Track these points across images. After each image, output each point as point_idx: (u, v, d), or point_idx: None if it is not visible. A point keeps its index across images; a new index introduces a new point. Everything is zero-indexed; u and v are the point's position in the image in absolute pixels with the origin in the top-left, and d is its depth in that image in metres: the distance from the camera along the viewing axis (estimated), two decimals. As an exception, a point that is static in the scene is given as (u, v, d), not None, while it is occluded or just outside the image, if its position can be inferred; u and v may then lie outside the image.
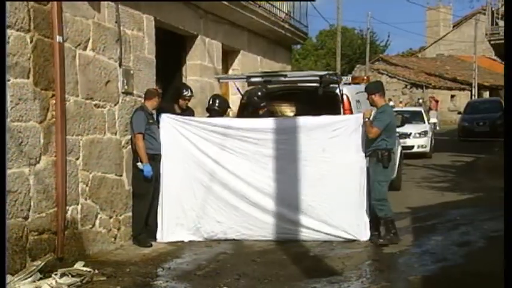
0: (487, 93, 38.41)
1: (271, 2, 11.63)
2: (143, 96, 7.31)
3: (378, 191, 6.92)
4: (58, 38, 5.84)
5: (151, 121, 7.09)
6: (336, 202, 7.05)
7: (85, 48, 6.44)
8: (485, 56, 40.61)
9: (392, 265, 6.31)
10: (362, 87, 9.32)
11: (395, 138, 7.14)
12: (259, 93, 7.99)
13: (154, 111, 7.28)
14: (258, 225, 7.17)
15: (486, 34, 16.88)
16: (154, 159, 7.13)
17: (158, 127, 7.25)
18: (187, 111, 8.03)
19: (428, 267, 6.07)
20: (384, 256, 6.57)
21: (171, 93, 8.22)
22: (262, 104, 7.98)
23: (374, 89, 7.19)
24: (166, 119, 7.35)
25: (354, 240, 7.05)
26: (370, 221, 7.10)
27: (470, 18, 42.52)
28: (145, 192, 7.06)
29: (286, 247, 6.91)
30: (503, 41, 15.74)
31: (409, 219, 8.41)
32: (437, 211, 9.13)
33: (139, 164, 6.96)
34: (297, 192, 7.08)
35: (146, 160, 6.92)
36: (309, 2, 14.91)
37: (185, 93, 7.93)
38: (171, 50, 9.13)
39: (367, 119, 6.97)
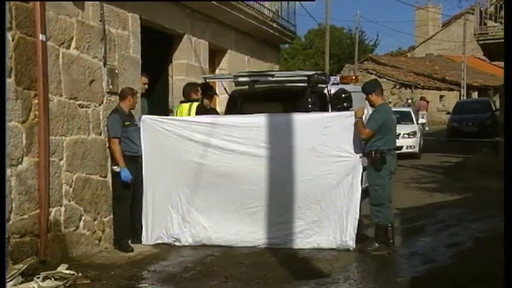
0: (476, 93, 38.66)
1: (259, 2, 11.62)
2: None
3: (374, 196, 6.83)
4: (41, 37, 5.79)
5: (127, 123, 7.01)
6: (327, 204, 6.94)
7: (68, 47, 6.40)
8: (474, 56, 40.88)
9: (381, 267, 6.33)
10: (351, 87, 9.34)
11: (390, 138, 6.89)
12: (344, 94, 7.86)
13: (132, 111, 7.20)
14: (245, 231, 7.06)
15: (475, 34, 16.97)
16: (133, 161, 7.08)
17: (138, 128, 7.20)
18: (211, 111, 8.06)
19: (417, 268, 6.10)
20: (372, 258, 6.58)
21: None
22: (346, 104, 7.72)
23: (370, 88, 7.07)
24: (146, 120, 7.30)
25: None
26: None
27: (459, 18, 42.77)
28: (125, 195, 7.02)
29: (274, 249, 6.89)
30: (491, 41, 15.83)
31: (397, 220, 8.42)
32: (426, 212, 9.17)
33: (115, 167, 6.92)
34: (287, 195, 6.98)
35: (123, 164, 6.87)
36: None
37: (210, 92, 8.07)
38: (157, 49, 9.09)
39: (359, 118, 6.84)
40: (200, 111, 7.71)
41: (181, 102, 8.00)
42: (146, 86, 7.98)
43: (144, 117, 7.35)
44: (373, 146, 6.78)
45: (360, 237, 6.97)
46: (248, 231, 7.07)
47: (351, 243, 6.83)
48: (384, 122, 6.81)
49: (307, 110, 7.62)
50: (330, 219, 6.94)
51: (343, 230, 6.88)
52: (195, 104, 7.79)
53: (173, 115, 7.98)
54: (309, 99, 7.88)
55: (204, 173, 7.16)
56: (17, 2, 5.60)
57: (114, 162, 6.95)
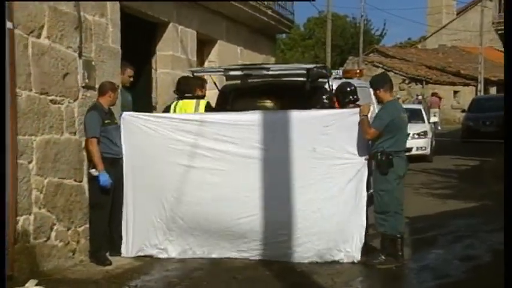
0: (494, 89, 38.80)
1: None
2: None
3: (378, 203, 6.85)
4: (7, 24, 5.75)
5: (107, 121, 6.99)
6: (329, 212, 6.93)
7: (39, 36, 6.36)
8: (493, 47, 41.03)
9: (388, 282, 6.34)
10: (355, 82, 9.34)
11: (399, 139, 6.89)
12: (349, 88, 7.85)
13: (112, 108, 7.18)
14: (237, 242, 7.05)
15: (493, 23, 17.05)
16: (114, 164, 7.07)
17: (119, 127, 7.19)
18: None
19: (428, 284, 6.11)
20: (378, 272, 6.59)
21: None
22: (352, 98, 7.75)
23: (378, 83, 7.09)
24: (127, 117, 7.28)
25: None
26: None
27: (476, 5, 42.93)
28: (103, 202, 6.99)
29: (269, 262, 6.88)
30: None
31: (406, 230, 8.40)
32: (438, 221, 9.19)
33: (92, 170, 6.90)
34: (284, 201, 6.96)
35: (102, 167, 6.85)
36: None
37: None
38: (139, 38, 9.07)
39: (364, 116, 6.83)
40: (209, 110, 7.66)
41: (183, 97, 7.89)
42: (131, 79, 7.96)
43: (124, 114, 7.33)
44: (378, 147, 6.79)
45: (365, 249, 6.96)
46: (241, 242, 7.06)
47: (357, 255, 6.83)
48: (391, 121, 6.81)
49: (323, 108, 7.61)
50: (332, 229, 6.93)
51: (348, 240, 6.89)
52: (203, 101, 7.72)
53: (170, 112, 7.84)
54: (324, 96, 7.83)
55: (191, 177, 7.14)
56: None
57: (92, 165, 6.92)
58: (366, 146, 6.93)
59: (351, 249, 6.87)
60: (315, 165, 6.97)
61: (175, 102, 7.86)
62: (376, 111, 7.47)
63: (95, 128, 6.88)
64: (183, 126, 7.20)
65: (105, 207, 7.04)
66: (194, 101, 7.71)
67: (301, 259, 6.92)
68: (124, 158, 7.23)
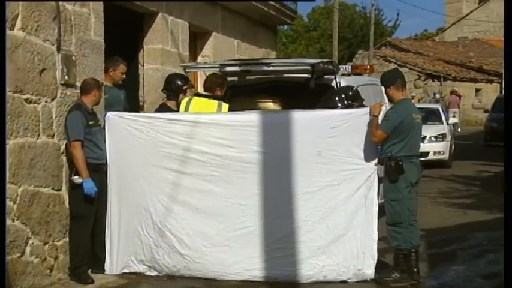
0: (521, 86, 38.86)
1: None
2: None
3: (389, 213, 6.87)
4: (-21, 15, 5.78)
5: (91, 122, 7.00)
6: (335, 223, 6.93)
7: (12, 27, 6.35)
8: (519, 40, 41.05)
9: (402, 302, 6.33)
10: (365, 78, 9.37)
11: (410, 143, 6.90)
12: (351, 92, 7.86)
13: (95, 108, 7.18)
14: (233, 259, 7.01)
15: (519, 13, 17.09)
16: (98, 170, 7.07)
17: (103, 129, 7.20)
18: None
19: (447, 304, 6.10)
20: (391, 291, 6.59)
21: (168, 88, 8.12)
22: (356, 105, 7.80)
23: (388, 80, 7.13)
24: (112, 117, 7.29)
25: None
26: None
27: (500, -7, 43.03)
28: (86, 213, 6.99)
29: (268, 282, 6.87)
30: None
31: (423, 244, 8.41)
32: (458, 234, 9.21)
33: (75, 177, 6.89)
34: (285, 212, 6.96)
35: (86, 174, 6.85)
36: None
37: (185, 87, 7.99)
38: (125, 30, 9.07)
39: (374, 117, 6.83)
40: None
41: (197, 95, 7.88)
42: (124, 76, 7.96)
43: (109, 114, 7.34)
44: (387, 152, 6.80)
45: (377, 265, 6.95)
46: (237, 259, 7.03)
47: (369, 273, 6.83)
48: (401, 123, 6.83)
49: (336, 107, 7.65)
50: (339, 242, 6.93)
51: (357, 256, 6.88)
52: (226, 105, 7.67)
53: (181, 110, 7.73)
54: (338, 97, 7.81)
55: (182, 184, 7.14)
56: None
57: (74, 171, 6.92)
58: (377, 149, 6.94)
59: (361, 266, 6.85)
60: (320, 171, 6.97)
61: (187, 99, 7.79)
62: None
63: (79, 130, 6.88)
64: (174, 127, 7.20)
65: (88, 218, 7.04)
66: (216, 102, 7.66)
67: (303, 278, 6.90)
68: (109, 163, 7.22)
